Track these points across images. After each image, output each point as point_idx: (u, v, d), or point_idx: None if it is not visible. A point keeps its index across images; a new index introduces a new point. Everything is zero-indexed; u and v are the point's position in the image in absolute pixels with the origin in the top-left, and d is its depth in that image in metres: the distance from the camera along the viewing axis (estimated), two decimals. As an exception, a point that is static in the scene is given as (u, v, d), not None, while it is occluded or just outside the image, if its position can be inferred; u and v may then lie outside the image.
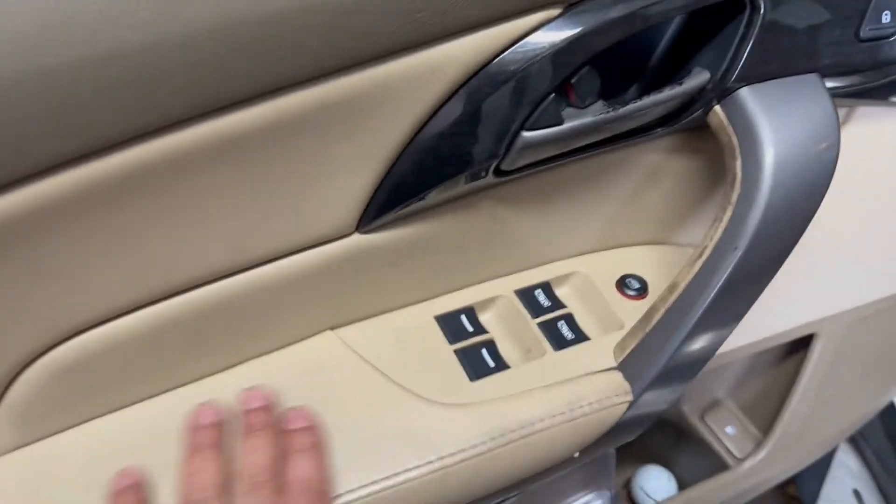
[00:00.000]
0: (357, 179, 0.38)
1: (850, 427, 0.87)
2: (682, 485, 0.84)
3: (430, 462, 0.40)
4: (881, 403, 0.89)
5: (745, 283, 0.44)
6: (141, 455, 0.39)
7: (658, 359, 0.45)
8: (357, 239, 0.41)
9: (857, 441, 1.19)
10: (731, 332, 0.47)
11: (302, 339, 0.46)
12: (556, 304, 0.50)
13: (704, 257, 0.43)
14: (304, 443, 0.40)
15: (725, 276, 0.42)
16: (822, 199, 0.43)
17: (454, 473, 0.40)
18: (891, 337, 0.77)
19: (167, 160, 0.31)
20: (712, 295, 0.43)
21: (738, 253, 0.42)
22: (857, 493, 1.19)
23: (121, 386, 0.41)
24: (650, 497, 0.81)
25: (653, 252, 0.54)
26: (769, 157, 0.41)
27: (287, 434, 0.40)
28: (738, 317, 0.46)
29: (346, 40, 0.31)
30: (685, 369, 0.47)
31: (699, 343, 0.45)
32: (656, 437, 0.85)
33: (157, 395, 0.42)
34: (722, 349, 0.61)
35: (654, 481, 0.82)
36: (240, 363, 0.44)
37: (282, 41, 0.29)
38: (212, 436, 0.39)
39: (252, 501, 0.36)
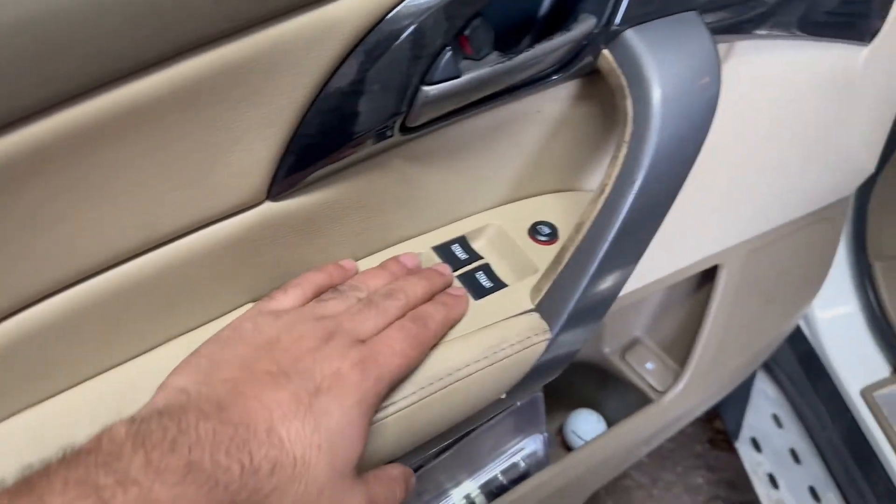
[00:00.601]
0: (262, 145, 0.38)
1: (760, 353, 0.93)
2: (612, 424, 0.87)
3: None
4: (788, 328, 0.95)
5: (645, 216, 0.47)
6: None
7: (571, 295, 0.47)
8: (269, 207, 0.41)
9: (772, 368, 1.27)
10: (635, 266, 0.49)
11: (224, 314, 0.46)
12: (473, 256, 0.52)
13: (605, 195, 0.45)
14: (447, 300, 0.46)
15: (626, 210, 0.45)
16: (707, 131, 0.46)
17: (387, 426, 0.41)
18: (789, 263, 0.82)
19: (64, 138, 0.30)
20: (615, 230, 0.45)
21: (635, 187, 0.44)
22: (775, 417, 1.27)
23: (36, 379, 0.40)
24: (581, 439, 0.84)
25: (561, 199, 0.56)
26: (656, 94, 0.43)
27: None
28: (640, 251, 0.49)
29: (237, 2, 0.31)
30: (598, 305, 0.50)
31: (608, 278, 0.48)
32: (583, 381, 0.89)
33: (78, 383, 0.42)
34: (634, 285, 0.64)
35: (585, 424, 0.85)
36: (163, 343, 0.44)
37: (172, 5, 0.29)
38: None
39: (386, 306, 0.42)
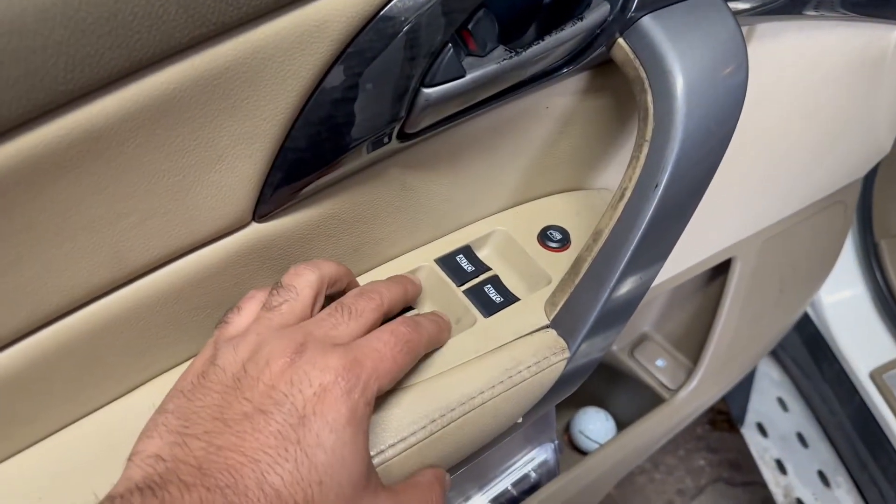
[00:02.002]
0: (246, 162, 0.34)
1: (772, 341, 0.90)
2: (620, 422, 0.84)
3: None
4: (798, 314, 0.92)
5: (669, 219, 0.43)
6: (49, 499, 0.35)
7: (590, 310, 0.43)
8: (256, 228, 0.37)
9: (776, 352, 1.24)
10: (658, 270, 0.45)
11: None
12: (480, 267, 0.47)
13: (626, 199, 0.41)
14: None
15: (649, 215, 0.40)
16: (736, 123, 0.42)
17: (397, 464, 0.38)
18: (803, 249, 0.79)
19: (9, 173, 0.26)
20: (638, 237, 0.41)
21: (659, 191, 0.40)
22: (780, 401, 1.25)
23: (6, 432, 0.36)
24: (591, 439, 0.81)
25: (570, 199, 0.52)
26: (679, 86, 0.39)
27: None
28: (664, 254, 0.45)
29: (207, 4, 0.27)
30: (618, 315, 0.46)
31: (629, 286, 0.44)
32: (590, 379, 0.85)
33: (53, 433, 0.37)
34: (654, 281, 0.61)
35: (593, 423, 0.82)
36: (149, 380, 0.40)
37: (133, 12, 0.25)
38: None
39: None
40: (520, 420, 0.45)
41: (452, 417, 0.39)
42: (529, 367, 0.42)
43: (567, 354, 0.44)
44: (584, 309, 0.43)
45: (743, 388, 1.25)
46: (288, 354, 0.33)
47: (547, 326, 0.45)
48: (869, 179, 1.06)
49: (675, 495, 1.56)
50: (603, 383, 0.85)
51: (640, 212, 0.41)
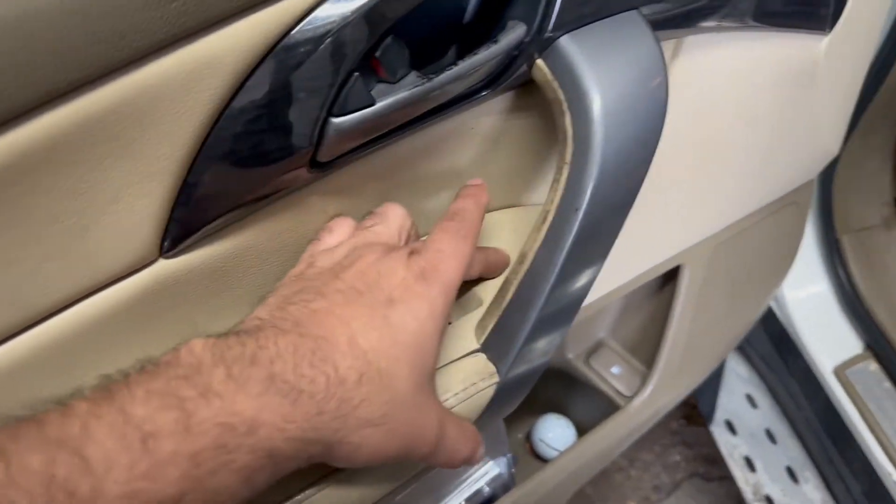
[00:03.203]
0: (144, 201, 0.33)
1: (729, 345, 0.90)
2: (582, 429, 0.84)
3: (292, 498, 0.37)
4: (757, 315, 0.92)
5: (595, 237, 0.42)
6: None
7: (519, 332, 0.43)
8: (164, 265, 0.36)
9: (744, 348, 1.25)
10: (590, 286, 0.45)
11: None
12: (410, 289, 0.47)
13: (548, 222, 0.41)
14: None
15: (572, 238, 0.40)
16: (658, 138, 0.42)
17: (318, 501, 0.37)
18: (756, 252, 0.79)
19: None
20: (562, 259, 0.41)
21: (580, 214, 0.40)
22: (749, 398, 1.25)
23: None
24: (551, 447, 0.80)
25: (507, 217, 0.52)
26: (597, 107, 0.39)
27: None
28: (592, 275, 0.44)
29: (81, 51, 0.26)
30: (550, 333, 0.45)
31: (559, 308, 0.44)
32: (549, 387, 0.85)
33: None
34: (596, 294, 0.60)
35: (553, 430, 0.81)
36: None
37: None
38: None
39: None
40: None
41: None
42: (457, 394, 0.42)
43: (496, 379, 0.43)
44: (513, 332, 0.43)
45: (711, 386, 1.26)
46: (378, 253, 0.38)
47: (477, 351, 0.44)
48: (828, 178, 1.06)
49: (651, 491, 1.57)
50: (562, 391, 0.85)
51: (563, 234, 0.40)
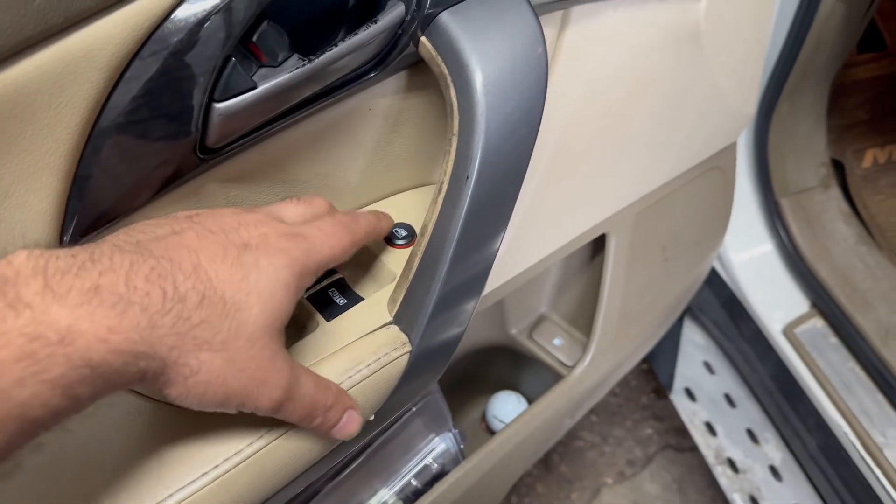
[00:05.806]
0: (36, 195, 0.34)
1: (673, 308, 0.92)
2: (533, 402, 0.86)
3: (206, 474, 0.38)
4: (695, 279, 0.94)
5: (490, 206, 0.44)
6: None
7: (427, 302, 0.44)
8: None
9: (698, 315, 1.27)
10: (492, 257, 0.46)
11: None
12: (326, 272, 0.48)
13: (443, 193, 0.43)
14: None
15: (465, 206, 0.42)
16: (542, 106, 0.43)
17: (232, 480, 0.38)
18: (684, 218, 0.81)
19: None
20: (459, 227, 0.42)
21: (471, 182, 0.41)
22: (707, 365, 1.28)
23: None
24: (503, 423, 0.82)
25: (417, 196, 0.53)
26: (478, 80, 0.40)
27: None
28: (494, 241, 0.46)
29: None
30: (461, 299, 0.47)
31: (464, 273, 0.45)
32: (499, 364, 0.87)
33: None
34: (525, 264, 0.62)
35: (504, 406, 0.83)
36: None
37: None
38: None
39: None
40: (371, 418, 0.46)
41: (279, 433, 0.40)
42: (369, 364, 0.43)
43: (408, 348, 0.45)
44: (421, 302, 0.44)
45: (668, 355, 1.28)
46: (243, 211, 0.38)
47: (389, 323, 0.46)
48: (762, 141, 1.09)
49: (626, 466, 1.60)
50: (511, 367, 0.87)
51: (458, 203, 0.42)
